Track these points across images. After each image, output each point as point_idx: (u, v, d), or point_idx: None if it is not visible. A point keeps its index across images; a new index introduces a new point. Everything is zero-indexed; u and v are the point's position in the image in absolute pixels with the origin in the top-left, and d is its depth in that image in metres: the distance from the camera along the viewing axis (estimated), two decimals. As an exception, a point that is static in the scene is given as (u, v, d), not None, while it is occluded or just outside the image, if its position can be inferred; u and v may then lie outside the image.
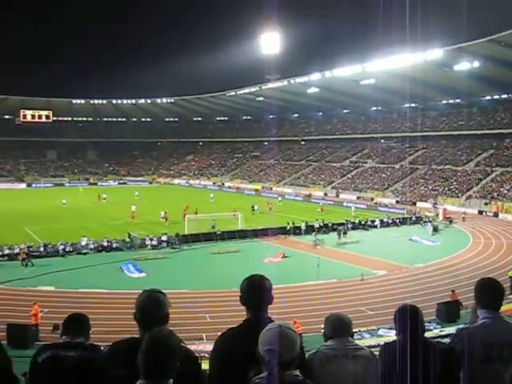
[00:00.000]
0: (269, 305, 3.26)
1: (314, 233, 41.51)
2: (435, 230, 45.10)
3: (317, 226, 43.60)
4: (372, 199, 69.86)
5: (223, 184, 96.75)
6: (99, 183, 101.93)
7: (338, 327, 3.23)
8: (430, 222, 47.64)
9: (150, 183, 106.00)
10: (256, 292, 3.20)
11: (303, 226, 43.80)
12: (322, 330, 3.41)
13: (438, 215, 52.82)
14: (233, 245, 38.34)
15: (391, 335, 17.91)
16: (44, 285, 26.92)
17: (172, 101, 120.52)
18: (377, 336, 18.74)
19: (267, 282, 3.29)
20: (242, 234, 41.74)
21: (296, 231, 43.32)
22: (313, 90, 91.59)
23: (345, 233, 41.19)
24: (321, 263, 28.77)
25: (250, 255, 35.09)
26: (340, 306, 22.19)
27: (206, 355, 2.76)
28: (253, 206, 56.17)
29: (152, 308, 3.03)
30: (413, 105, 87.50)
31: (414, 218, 51.47)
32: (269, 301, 3.25)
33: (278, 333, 2.49)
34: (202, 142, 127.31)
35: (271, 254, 33.94)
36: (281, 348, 2.44)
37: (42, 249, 34.82)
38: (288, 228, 43.27)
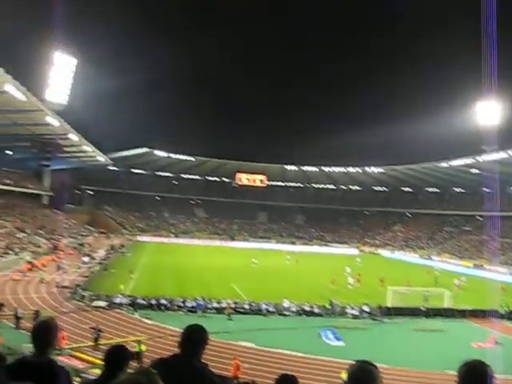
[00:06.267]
0: None
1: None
2: None
3: (536, 312, 39.17)
4: None
5: (430, 258, 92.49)
6: (300, 247, 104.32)
7: None
8: None
9: (360, 251, 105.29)
10: (477, 380, 2.90)
11: (520, 311, 39.64)
12: None
13: None
14: (438, 323, 36.09)
15: None
16: (245, 340, 28.01)
17: (382, 170, 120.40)
18: None
19: (489, 369, 2.97)
20: (449, 313, 39.19)
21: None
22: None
23: None
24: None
25: (456, 336, 32.63)
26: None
27: None
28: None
29: (365, 380, 2.92)
30: None
31: None
32: None
33: None
34: (409, 213, 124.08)
35: (481, 338, 31.16)
36: None
37: (246, 306, 36.56)
38: (503, 311, 39.52)
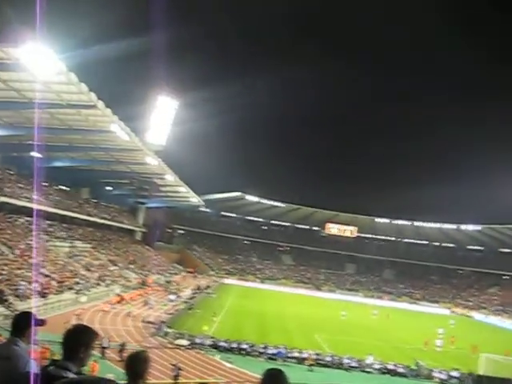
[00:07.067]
0: None
1: None
2: None
3: None
4: None
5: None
6: (388, 303, 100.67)
7: None
8: None
9: (451, 312, 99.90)
10: None
11: None
12: None
13: None
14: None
15: None
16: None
17: (479, 229, 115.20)
18: None
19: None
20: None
21: None
22: None
23: None
24: None
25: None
26: None
27: None
28: None
29: None
30: None
31: None
32: None
33: None
34: (508, 276, 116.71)
35: None
36: None
37: (328, 358, 35.55)
38: None
